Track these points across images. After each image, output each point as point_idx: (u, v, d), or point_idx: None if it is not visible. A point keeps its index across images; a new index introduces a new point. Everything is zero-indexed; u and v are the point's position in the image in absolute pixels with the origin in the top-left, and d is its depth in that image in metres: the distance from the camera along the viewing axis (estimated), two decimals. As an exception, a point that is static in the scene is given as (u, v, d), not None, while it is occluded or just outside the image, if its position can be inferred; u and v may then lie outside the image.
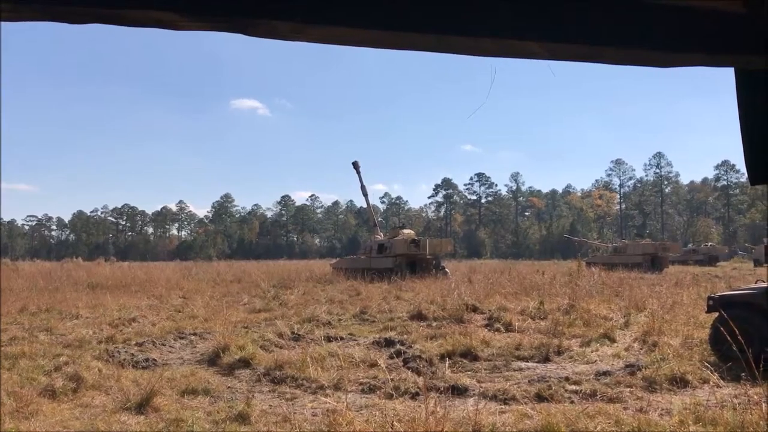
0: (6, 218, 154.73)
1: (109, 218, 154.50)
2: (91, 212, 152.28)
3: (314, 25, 1.43)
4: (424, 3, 1.46)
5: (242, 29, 1.43)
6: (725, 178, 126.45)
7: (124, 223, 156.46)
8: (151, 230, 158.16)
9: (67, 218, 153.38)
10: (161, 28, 1.41)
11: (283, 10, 1.40)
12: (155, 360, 10.77)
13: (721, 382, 8.11)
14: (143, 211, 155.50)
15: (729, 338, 7.76)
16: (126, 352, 11.12)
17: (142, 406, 7.65)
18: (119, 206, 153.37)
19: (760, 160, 1.94)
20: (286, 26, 1.43)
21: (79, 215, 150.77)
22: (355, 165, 40.14)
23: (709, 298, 10.60)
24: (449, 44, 1.54)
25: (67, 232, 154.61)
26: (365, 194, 40.82)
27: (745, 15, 1.64)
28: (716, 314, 9.78)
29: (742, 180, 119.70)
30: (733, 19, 1.64)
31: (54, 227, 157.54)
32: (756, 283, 11.55)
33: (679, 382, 8.58)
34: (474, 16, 1.48)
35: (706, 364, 8.68)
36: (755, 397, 6.75)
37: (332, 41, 1.50)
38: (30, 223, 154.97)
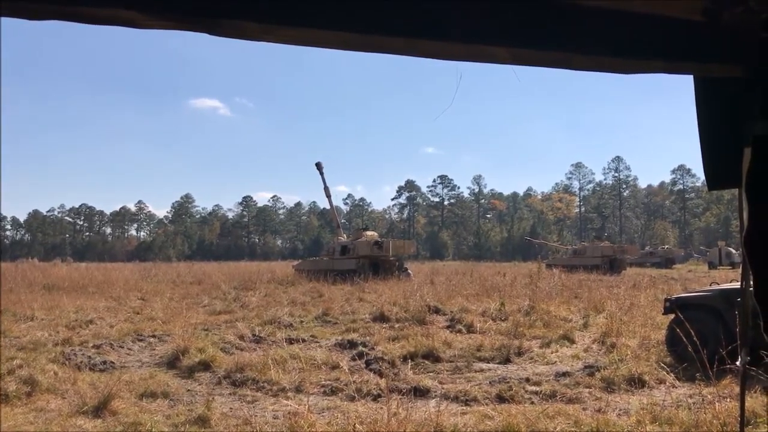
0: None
1: (66, 218, 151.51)
2: (48, 212, 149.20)
3: (283, 26, 1.42)
4: (393, 6, 1.46)
5: (208, 29, 1.41)
6: (681, 182, 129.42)
7: (81, 223, 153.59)
8: (109, 230, 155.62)
9: (22, 218, 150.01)
10: (125, 27, 1.38)
11: (250, 11, 1.39)
12: (113, 363, 10.59)
13: (677, 382, 8.30)
14: (101, 211, 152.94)
15: (684, 339, 7.93)
16: (83, 354, 10.91)
17: (99, 410, 7.52)
18: (77, 206, 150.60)
19: (717, 165, 1.99)
20: (254, 27, 1.41)
21: (34, 215, 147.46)
22: (318, 166, 40.02)
23: (666, 300, 10.83)
24: (418, 48, 1.54)
25: (23, 232, 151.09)
26: (328, 195, 40.75)
27: (704, 24, 1.67)
28: (672, 316, 9.98)
29: (697, 184, 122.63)
30: (693, 28, 1.68)
31: (8, 227, 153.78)
32: (711, 285, 11.84)
33: (637, 383, 8.72)
34: (443, 21, 1.49)
35: (663, 364, 8.87)
36: (709, 396, 6.90)
37: (301, 42, 1.49)
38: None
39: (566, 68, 1.69)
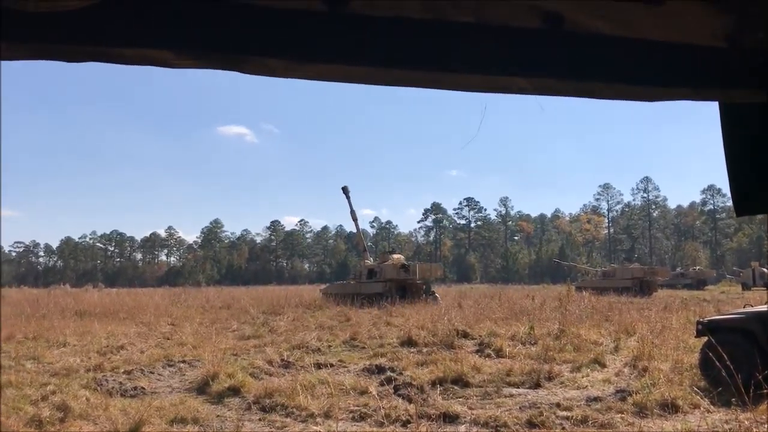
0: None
1: (97, 244, 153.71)
2: (80, 238, 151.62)
3: (307, 62, 1.46)
4: (413, 40, 1.48)
5: (236, 67, 1.46)
6: (712, 202, 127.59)
7: (112, 249, 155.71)
8: (139, 256, 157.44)
9: (55, 244, 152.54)
10: (155, 66, 1.43)
11: (275, 48, 1.43)
12: (144, 388, 10.66)
13: (712, 407, 8.12)
14: (132, 237, 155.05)
15: (718, 363, 7.78)
16: (114, 380, 11.02)
17: (130, 436, 7.57)
18: (108, 232, 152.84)
19: (745, 191, 1.98)
20: (280, 64, 1.45)
21: (66, 241, 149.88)
22: (345, 190, 40.18)
23: (698, 322, 10.62)
24: (438, 81, 1.57)
25: (55, 259, 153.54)
26: (355, 219, 40.83)
27: (727, 50, 1.68)
28: (705, 339, 9.80)
29: (728, 204, 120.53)
30: (716, 54, 1.68)
31: (41, 254, 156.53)
32: (744, 307, 11.62)
33: (670, 408, 8.58)
34: (462, 53, 1.51)
35: (696, 389, 8.69)
36: (746, 422, 6.76)
37: (325, 78, 1.53)
38: (17, 250, 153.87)
39: (588, 97, 1.70)
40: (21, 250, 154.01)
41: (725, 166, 2.01)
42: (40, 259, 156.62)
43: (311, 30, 1.44)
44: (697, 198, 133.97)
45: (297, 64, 1.46)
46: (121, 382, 10.88)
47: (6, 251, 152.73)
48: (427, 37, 1.49)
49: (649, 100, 1.79)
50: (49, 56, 1.43)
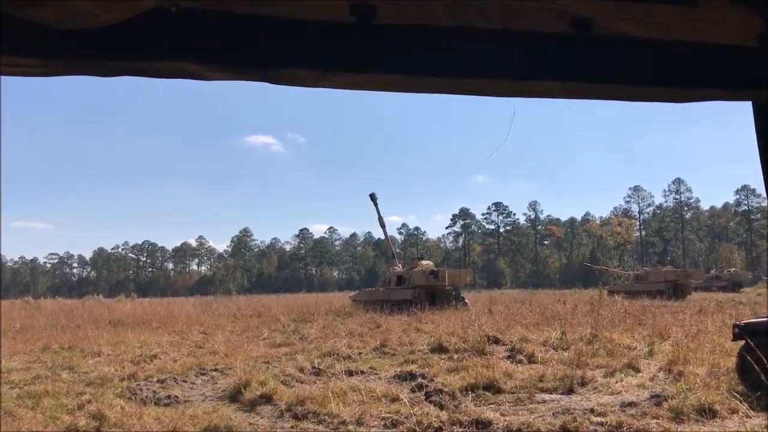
0: (28, 256, 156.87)
1: (129, 255, 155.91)
2: (112, 249, 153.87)
3: (335, 72, 1.47)
4: (442, 48, 1.49)
5: (266, 78, 1.47)
6: (746, 202, 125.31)
7: (144, 259, 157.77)
8: (171, 266, 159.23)
9: (88, 255, 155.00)
10: (189, 79, 1.46)
11: (304, 59, 1.44)
12: (177, 397, 10.76)
13: (751, 412, 7.97)
14: (163, 247, 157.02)
15: (756, 367, 7.62)
16: (148, 389, 11.13)
17: (164, 445, 7.64)
18: (139, 243, 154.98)
19: None
20: (309, 74, 1.47)
21: (99, 252, 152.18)
22: (373, 197, 40.23)
23: (735, 325, 10.40)
24: (467, 86, 1.57)
25: (89, 270, 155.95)
26: (383, 226, 40.85)
27: (760, 50, 1.65)
28: (742, 342, 9.61)
29: (763, 204, 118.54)
30: (749, 55, 1.66)
31: (75, 265, 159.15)
32: (782, 309, 11.36)
33: (707, 413, 8.41)
34: (491, 59, 1.52)
35: (734, 393, 8.54)
36: (786, 427, 6.61)
37: (353, 87, 1.54)
38: (51, 261, 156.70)
39: (619, 100, 1.69)
40: (55, 261, 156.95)
41: (760, 165, 1.97)
42: (74, 270, 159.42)
43: (340, 41, 1.45)
44: (731, 199, 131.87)
45: (327, 74, 1.47)
46: (154, 391, 10.99)
47: (41, 263, 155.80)
48: (455, 44, 1.49)
49: (679, 101, 1.77)
50: (85, 71, 1.46)
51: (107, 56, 1.42)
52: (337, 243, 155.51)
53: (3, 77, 1.47)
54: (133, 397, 10.42)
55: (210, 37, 1.42)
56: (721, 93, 1.75)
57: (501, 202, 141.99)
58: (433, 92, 1.58)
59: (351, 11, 1.37)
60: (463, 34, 1.47)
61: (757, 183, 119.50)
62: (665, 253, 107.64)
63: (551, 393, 10.49)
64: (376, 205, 40.15)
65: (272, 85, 1.49)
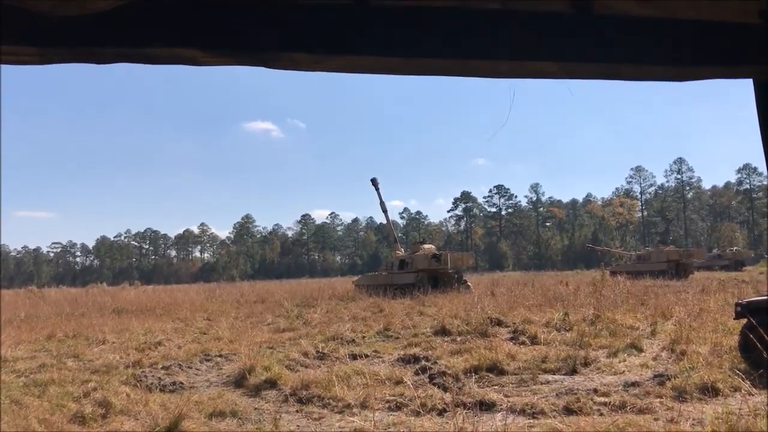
0: (31, 246, 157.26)
1: (132, 243, 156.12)
2: (115, 237, 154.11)
3: (334, 55, 1.46)
4: (441, 29, 1.48)
5: (264, 63, 1.46)
6: (748, 181, 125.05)
7: (147, 247, 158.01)
8: (174, 253, 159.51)
9: (91, 244, 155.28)
10: (185, 65, 1.45)
11: (302, 43, 1.43)
12: (182, 383, 10.82)
13: (753, 389, 7.98)
14: (165, 235, 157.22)
15: (759, 345, 7.64)
16: (153, 376, 11.19)
17: (170, 431, 7.69)
18: (142, 230, 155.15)
19: None
20: (307, 58, 1.46)
21: (102, 241, 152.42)
22: (374, 182, 40.17)
23: (737, 304, 10.42)
24: (467, 68, 1.56)
25: (92, 258, 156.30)
26: (385, 210, 40.82)
27: (761, 26, 1.64)
28: (745, 320, 9.63)
29: (765, 182, 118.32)
30: (749, 31, 1.65)
31: (78, 253, 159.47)
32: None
33: (710, 391, 8.45)
34: (491, 40, 1.50)
35: (737, 371, 8.55)
36: (788, 404, 6.64)
37: (352, 70, 1.53)
38: (55, 250, 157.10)
39: (618, 79, 1.68)
40: (58, 250, 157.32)
41: (761, 143, 1.97)
42: (77, 259, 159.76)
43: (337, 23, 1.44)
44: (733, 178, 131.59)
45: (324, 58, 1.46)
46: (159, 378, 11.05)
47: (44, 252, 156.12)
48: (454, 25, 1.48)
49: (679, 80, 1.76)
50: (81, 59, 1.45)
51: (103, 43, 1.41)
52: (339, 228, 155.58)
53: (2, 66, 1.46)
54: (138, 384, 10.47)
55: (206, 22, 1.41)
56: (722, 71, 1.74)
57: (502, 185, 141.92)
58: (432, 74, 1.57)
59: None
60: (462, 15, 1.46)
61: (758, 161, 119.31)
62: (667, 233, 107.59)
63: (554, 374, 10.54)
64: (377, 190, 40.10)
65: (270, 70, 1.48)
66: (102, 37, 1.40)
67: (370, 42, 1.46)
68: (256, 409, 9.03)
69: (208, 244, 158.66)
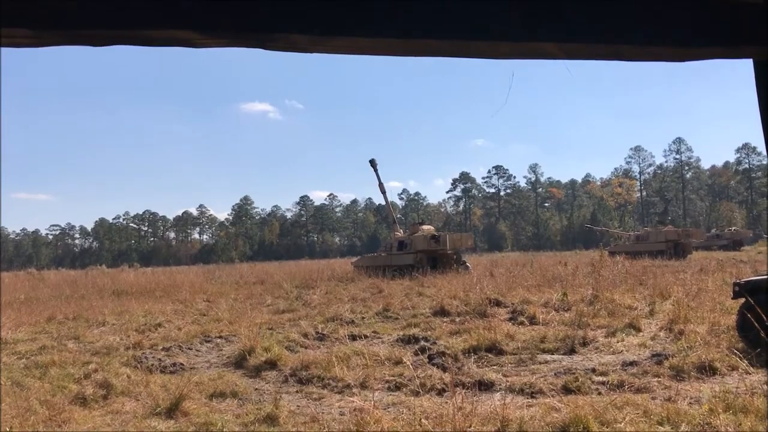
0: (30, 228, 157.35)
1: (131, 225, 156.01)
2: (113, 219, 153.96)
3: (332, 36, 1.45)
4: (439, 9, 1.46)
5: (261, 44, 1.45)
6: (747, 161, 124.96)
7: (146, 229, 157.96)
8: (173, 235, 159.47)
9: (89, 226, 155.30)
10: (181, 47, 1.44)
11: (300, 23, 1.42)
12: (182, 364, 10.87)
13: (750, 368, 8.05)
14: (164, 217, 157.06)
15: (756, 324, 7.68)
16: (153, 357, 11.24)
17: (171, 411, 7.73)
18: (140, 212, 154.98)
19: None
20: (304, 39, 1.44)
21: (101, 223, 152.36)
22: (372, 163, 40.09)
23: (735, 284, 10.45)
24: (466, 49, 1.55)
25: (91, 240, 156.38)
26: (383, 192, 40.79)
27: (763, 5, 1.63)
28: (743, 300, 9.67)
29: (764, 162, 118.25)
30: (751, 10, 1.63)
31: (77, 236, 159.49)
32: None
33: (708, 370, 8.51)
34: (489, 21, 1.49)
35: (734, 350, 8.61)
36: (785, 382, 6.69)
37: (350, 51, 1.52)
38: (54, 233, 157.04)
39: (618, 59, 1.67)
40: (57, 232, 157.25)
41: (761, 124, 1.96)
42: (76, 241, 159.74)
43: (336, 3, 1.42)
44: (732, 157, 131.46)
45: (322, 39, 1.45)
46: (160, 359, 11.10)
47: (43, 234, 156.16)
48: (453, 6, 1.47)
49: (679, 60, 1.75)
50: (77, 41, 1.44)
51: (98, 25, 1.40)
52: (338, 209, 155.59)
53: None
54: (139, 366, 10.52)
55: (202, 4, 1.39)
56: (722, 51, 1.72)
57: (501, 166, 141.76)
58: (432, 55, 1.56)
59: None
60: None
61: (757, 141, 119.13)
62: (666, 213, 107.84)
63: (553, 354, 10.60)
64: (376, 171, 40.03)
65: (268, 51, 1.47)
66: (98, 19, 1.38)
67: (369, 23, 1.44)
68: (256, 389, 9.08)
69: (206, 226, 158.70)
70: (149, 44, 1.45)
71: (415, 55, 1.56)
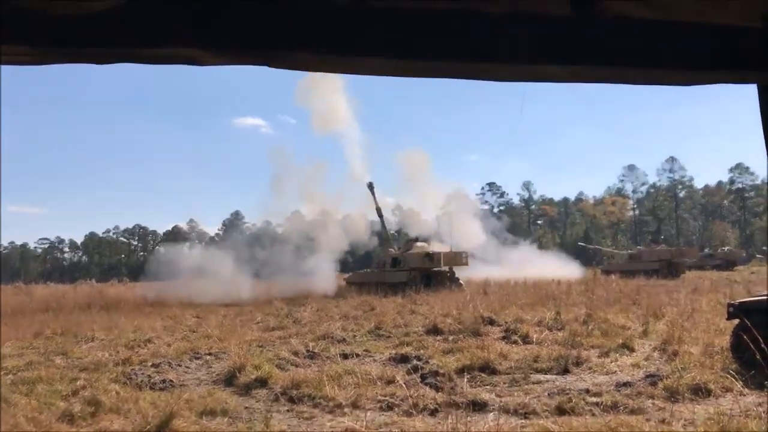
0: (18, 242, 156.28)
1: (121, 239, 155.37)
2: (103, 233, 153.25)
3: (337, 56, 1.41)
4: (447, 32, 1.43)
5: (266, 62, 1.42)
6: (739, 180, 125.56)
7: (136, 243, 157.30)
8: (163, 249, 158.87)
9: (79, 240, 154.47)
10: (186, 65, 1.40)
11: (305, 43, 1.38)
12: (172, 381, 10.74)
13: (745, 390, 8.00)
14: (155, 231, 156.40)
15: (751, 345, 7.64)
16: (143, 374, 11.11)
17: (161, 429, 7.63)
18: (130, 227, 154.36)
19: None
20: (309, 58, 1.41)
21: (91, 237, 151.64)
22: (370, 186, 40.29)
23: (729, 305, 10.42)
24: (473, 71, 1.51)
25: (80, 254, 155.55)
26: (380, 215, 40.99)
27: (765, 30, 1.61)
28: (737, 321, 9.64)
29: (757, 182, 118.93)
30: (753, 36, 1.61)
31: (66, 249, 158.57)
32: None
33: (702, 392, 8.46)
34: (496, 43, 1.46)
35: (729, 372, 8.57)
36: (781, 405, 6.64)
37: (355, 71, 1.49)
38: (42, 246, 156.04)
39: (623, 83, 1.64)
40: (46, 246, 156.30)
41: (764, 146, 1.93)
42: (65, 255, 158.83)
43: (341, 24, 1.39)
44: (725, 177, 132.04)
45: (327, 58, 1.42)
46: (149, 376, 10.97)
47: (31, 248, 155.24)
48: (457, 28, 1.43)
49: (685, 84, 1.72)
50: (77, 59, 1.40)
51: (100, 43, 1.37)
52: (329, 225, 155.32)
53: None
54: (128, 382, 10.40)
55: (206, 21, 1.36)
56: (726, 75, 1.70)
57: (494, 183, 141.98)
58: (436, 77, 1.52)
59: None
60: (465, 17, 1.41)
61: (750, 161, 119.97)
62: (659, 232, 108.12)
63: (546, 373, 10.53)
64: (373, 194, 40.19)
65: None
66: (98, 37, 1.35)
67: (374, 44, 1.41)
68: (246, 408, 8.97)
69: (197, 241, 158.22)
70: (153, 62, 1.41)
71: (421, 77, 1.52)
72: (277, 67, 1.44)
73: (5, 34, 1.31)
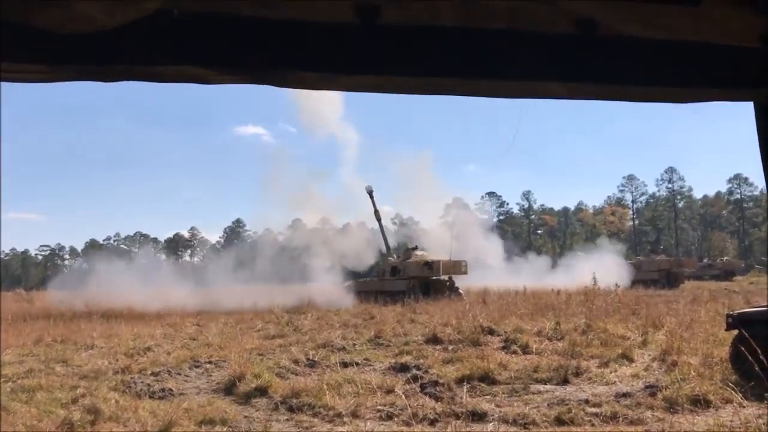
0: (19, 248, 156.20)
1: (122, 246, 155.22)
2: (104, 241, 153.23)
3: (341, 74, 1.44)
4: (446, 49, 1.46)
5: (271, 81, 1.45)
6: (738, 191, 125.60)
7: (136, 250, 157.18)
8: (164, 257, 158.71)
9: (80, 247, 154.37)
10: (193, 83, 1.43)
11: (309, 61, 1.41)
12: (171, 390, 10.74)
13: (744, 401, 7.99)
14: (155, 239, 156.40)
15: (750, 357, 7.65)
16: (142, 382, 11.11)
17: (160, 438, 7.62)
18: (131, 234, 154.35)
19: None
20: (315, 77, 1.44)
21: (91, 244, 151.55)
22: (369, 191, 40.21)
23: (728, 315, 10.43)
24: (474, 88, 1.54)
25: (81, 261, 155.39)
26: (379, 220, 40.84)
27: (762, 50, 1.64)
28: (736, 332, 9.65)
29: (755, 193, 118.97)
30: (750, 55, 1.65)
31: (67, 256, 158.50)
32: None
33: (701, 403, 8.46)
34: (497, 61, 1.49)
35: (728, 383, 8.56)
36: (780, 417, 6.64)
37: (358, 89, 1.51)
38: (43, 253, 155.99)
39: (621, 100, 1.67)
40: (47, 253, 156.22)
41: (761, 165, 1.96)
42: (66, 262, 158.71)
43: (345, 42, 1.42)
44: (724, 187, 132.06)
45: (331, 76, 1.45)
46: (149, 384, 10.97)
47: (32, 254, 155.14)
48: (460, 45, 1.46)
49: (682, 102, 1.76)
50: (89, 77, 1.44)
51: (111, 61, 1.40)
52: (330, 233, 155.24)
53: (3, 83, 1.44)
54: (127, 391, 10.40)
55: (213, 40, 1.39)
56: (722, 94, 1.74)
57: (494, 192, 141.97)
58: (439, 93, 1.55)
59: (355, 12, 1.34)
60: (467, 35, 1.44)
61: (749, 172, 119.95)
62: (658, 242, 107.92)
63: (546, 384, 10.52)
64: (372, 199, 40.09)
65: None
66: (110, 55, 1.38)
67: (377, 62, 1.44)
68: (246, 417, 8.97)
69: (198, 249, 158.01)
70: (161, 80, 1.44)
71: (423, 93, 1.55)
72: (281, 86, 1.47)
73: (18, 52, 1.34)
